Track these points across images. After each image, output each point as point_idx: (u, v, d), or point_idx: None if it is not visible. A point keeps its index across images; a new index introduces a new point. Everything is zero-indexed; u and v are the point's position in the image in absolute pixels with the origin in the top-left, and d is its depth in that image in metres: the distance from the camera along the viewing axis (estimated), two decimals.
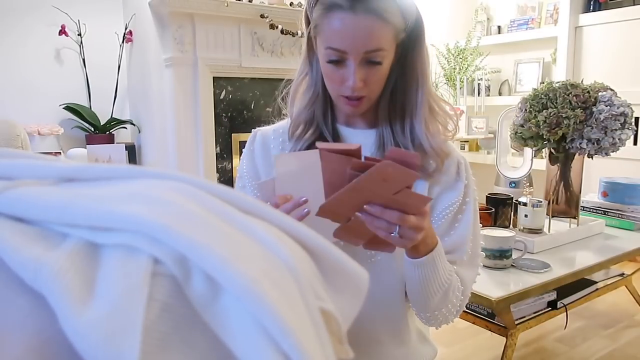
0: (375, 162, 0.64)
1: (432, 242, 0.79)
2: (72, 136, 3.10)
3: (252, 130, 1.01)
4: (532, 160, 2.25)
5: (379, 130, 0.89)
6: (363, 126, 0.92)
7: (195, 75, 2.97)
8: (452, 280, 0.84)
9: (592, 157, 1.78)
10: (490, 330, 1.58)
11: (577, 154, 1.79)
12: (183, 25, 2.89)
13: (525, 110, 1.79)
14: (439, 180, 0.89)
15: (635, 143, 2.97)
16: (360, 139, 0.90)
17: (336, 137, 0.91)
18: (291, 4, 3.22)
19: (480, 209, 1.54)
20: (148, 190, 0.32)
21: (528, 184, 2.20)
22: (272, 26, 3.07)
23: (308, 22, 0.87)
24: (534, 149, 1.84)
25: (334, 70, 0.82)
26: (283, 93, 0.96)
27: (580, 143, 1.72)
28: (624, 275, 2.06)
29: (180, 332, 0.27)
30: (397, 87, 0.88)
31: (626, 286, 2.12)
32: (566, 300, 1.72)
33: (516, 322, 1.54)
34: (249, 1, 3.02)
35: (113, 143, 3.08)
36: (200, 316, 0.27)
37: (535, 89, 1.81)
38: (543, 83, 1.83)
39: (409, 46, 0.85)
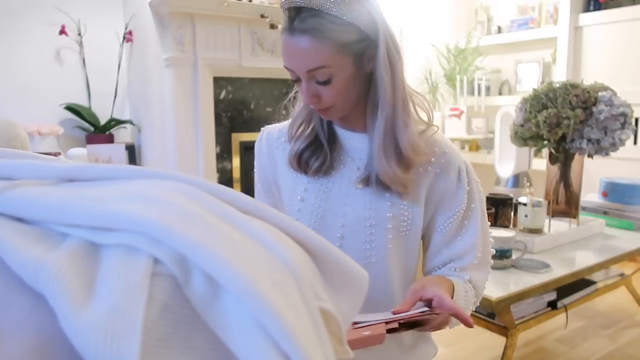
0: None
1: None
2: (72, 136, 3.10)
3: (261, 128, 1.02)
4: (515, 160, 2.25)
5: (369, 135, 0.89)
6: (360, 129, 0.91)
7: (195, 75, 2.97)
8: (469, 296, 0.88)
9: (592, 157, 1.78)
10: (490, 330, 1.59)
11: (577, 154, 1.79)
12: (183, 25, 2.89)
13: (525, 110, 1.79)
14: (436, 186, 0.89)
15: (635, 143, 2.97)
16: (357, 142, 0.91)
17: (332, 138, 0.91)
18: None
19: None
20: (148, 190, 0.32)
21: (529, 183, 2.20)
22: (272, 26, 3.07)
23: None
24: (533, 148, 1.84)
25: (297, 85, 0.85)
26: (292, 94, 0.96)
27: (580, 143, 1.72)
28: (624, 275, 2.06)
29: (181, 332, 0.27)
30: (370, 94, 0.85)
31: (626, 286, 2.12)
32: (566, 300, 1.72)
33: (516, 322, 1.54)
34: (249, 1, 3.02)
35: (113, 143, 3.08)
36: (200, 316, 0.27)
37: (535, 89, 1.81)
38: (543, 83, 1.83)
39: (375, 51, 0.82)
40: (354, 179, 0.89)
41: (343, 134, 0.92)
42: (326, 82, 0.80)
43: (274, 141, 0.97)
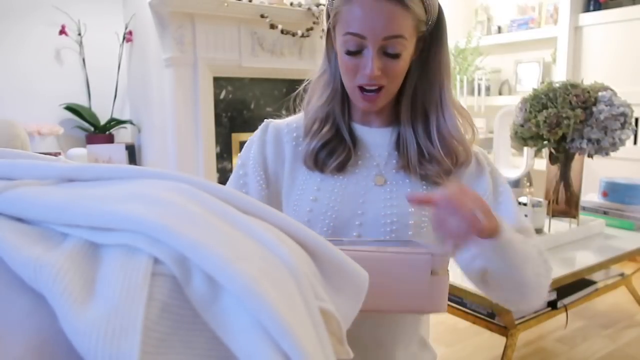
0: None
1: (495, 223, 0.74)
2: (72, 136, 3.10)
3: (265, 120, 0.96)
4: (527, 162, 2.25)
5: (399, 129, 0.88)
6: (379, 124, 0.91)
7: (195, 75, 2.97)
8: (527, 246, 0.79)
9: (592, 157, 1.78)
10: (490, 330, 1.58)
11: (577, 154, 1.79)
12: (183, 25, 2.89)
13: (525, 110, 1.79)
14: (461, 175, 0.88)
15: (635, 143, 2.97)
16: (376, 137, 0.90)
17: (352, 135, 0.90)
18: (291, 4, 3.22)
19: None
20: (148, 190, 0.32)
21: (529, 183, 2.20)
22: (272, 26, 3.07)
23: (329, 16, 0.86)
24: (534, 148, 1.84)
25: (350, 59, 0.80)
26: (297, 92, 0.95)
27: (580, 143, 1.72)
28: (624, 275, 2.06)
29: (180, 332, 0.27)
30: (418, 86, 0.86)
31: (626, 286, 2.12)
32: (566, 300, 1.72)
33: (516, 322, 1.54)
34: (249, 1, 3.02)
35: (113, 143, 3.08)
36: (200, 316, 0.27)
37: (535, 89, 1.81)
38: (543, 83, 1.83)
39: (431, 42, 0.84)
40: (372, 176, 0.87)
41: (362, 130, 0.91)
42: (396, 56, 0.79)
43: (283, 135, 0.93)
